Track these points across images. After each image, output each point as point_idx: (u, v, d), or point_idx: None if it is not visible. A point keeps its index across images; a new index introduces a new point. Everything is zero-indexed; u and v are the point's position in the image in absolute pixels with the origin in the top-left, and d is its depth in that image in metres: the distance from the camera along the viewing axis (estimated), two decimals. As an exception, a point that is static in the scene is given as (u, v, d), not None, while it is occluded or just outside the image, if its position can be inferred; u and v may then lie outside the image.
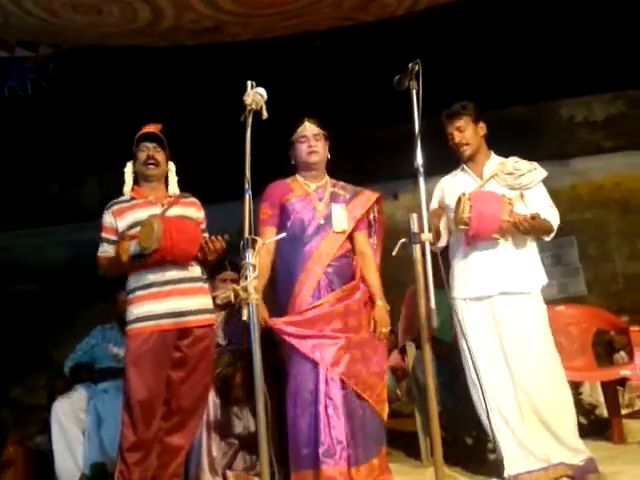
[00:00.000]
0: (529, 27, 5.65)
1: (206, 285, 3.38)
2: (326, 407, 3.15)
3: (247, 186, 2.49)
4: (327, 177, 3.53)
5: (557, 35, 5.72)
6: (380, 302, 3.40)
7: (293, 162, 3.52)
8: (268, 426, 2.55)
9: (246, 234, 2.43)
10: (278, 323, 3.24)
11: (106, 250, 3.29)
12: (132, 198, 3.33)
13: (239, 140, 2.63)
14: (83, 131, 6.16)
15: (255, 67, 3.40)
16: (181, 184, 3.45)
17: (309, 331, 3.23)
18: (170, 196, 3.37)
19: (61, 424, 3.82)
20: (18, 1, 3.87)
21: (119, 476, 3.11)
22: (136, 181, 3.39)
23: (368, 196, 3.51)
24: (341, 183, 3.54)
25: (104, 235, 3.31)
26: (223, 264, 3.94)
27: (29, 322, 6.20)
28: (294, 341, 3.23)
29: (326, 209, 3.42)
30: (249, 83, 2.67)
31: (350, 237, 3.47)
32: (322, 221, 3.38)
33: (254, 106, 2.62)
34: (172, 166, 3.44)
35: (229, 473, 3.63)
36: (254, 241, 2.45)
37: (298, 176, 3.51)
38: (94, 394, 3.93)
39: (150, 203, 3.29)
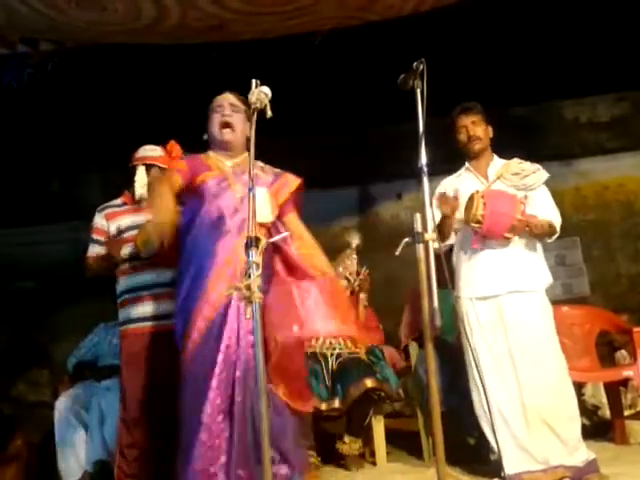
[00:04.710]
0: (533, 27, 5.64)
1: None
2: None
3: (251, 184, 2.48)
4: None
5: (561, 36, 5.71)
6: None
7: None
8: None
9: (250, 232, 2.42)
10: None
11: (96, 251, 3.43)
12: (124, 203, 3.51)
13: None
14: (87, 129, 6.16)
15: (260, 66, 3.40)
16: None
17: None
18: None
19: (64, 421, 3.83)
20: (23, -2, 3.87)
21: (118, 471, 3.17)
22: (129, 185, 3.49)
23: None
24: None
25: (95, 237, 3.48)
26: None
27: (28, 320, 6.20)
28: None
29: None
30: (253, 82, 2.66)
31: None
32: None
33: (258, 105, 2.61)
34: None
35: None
36: (257, 240, 2.44)
37: None
38: (97, 392, 3.93)
39: (141, 209, 3.43)
